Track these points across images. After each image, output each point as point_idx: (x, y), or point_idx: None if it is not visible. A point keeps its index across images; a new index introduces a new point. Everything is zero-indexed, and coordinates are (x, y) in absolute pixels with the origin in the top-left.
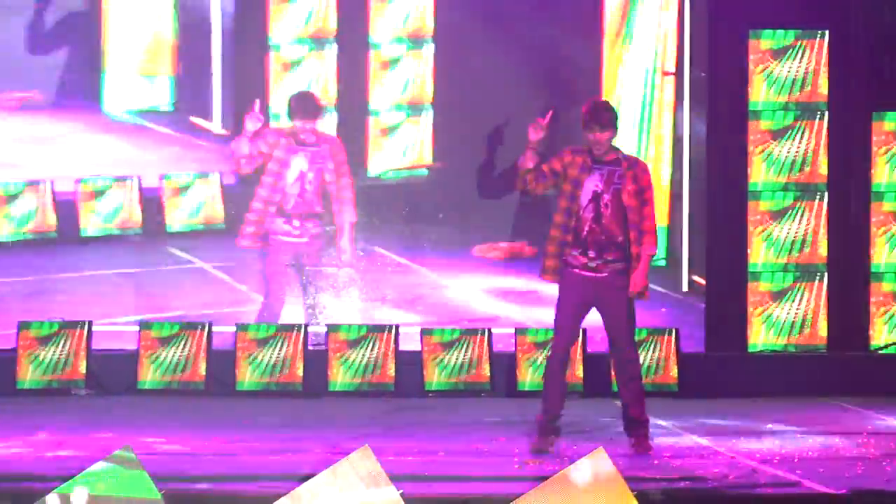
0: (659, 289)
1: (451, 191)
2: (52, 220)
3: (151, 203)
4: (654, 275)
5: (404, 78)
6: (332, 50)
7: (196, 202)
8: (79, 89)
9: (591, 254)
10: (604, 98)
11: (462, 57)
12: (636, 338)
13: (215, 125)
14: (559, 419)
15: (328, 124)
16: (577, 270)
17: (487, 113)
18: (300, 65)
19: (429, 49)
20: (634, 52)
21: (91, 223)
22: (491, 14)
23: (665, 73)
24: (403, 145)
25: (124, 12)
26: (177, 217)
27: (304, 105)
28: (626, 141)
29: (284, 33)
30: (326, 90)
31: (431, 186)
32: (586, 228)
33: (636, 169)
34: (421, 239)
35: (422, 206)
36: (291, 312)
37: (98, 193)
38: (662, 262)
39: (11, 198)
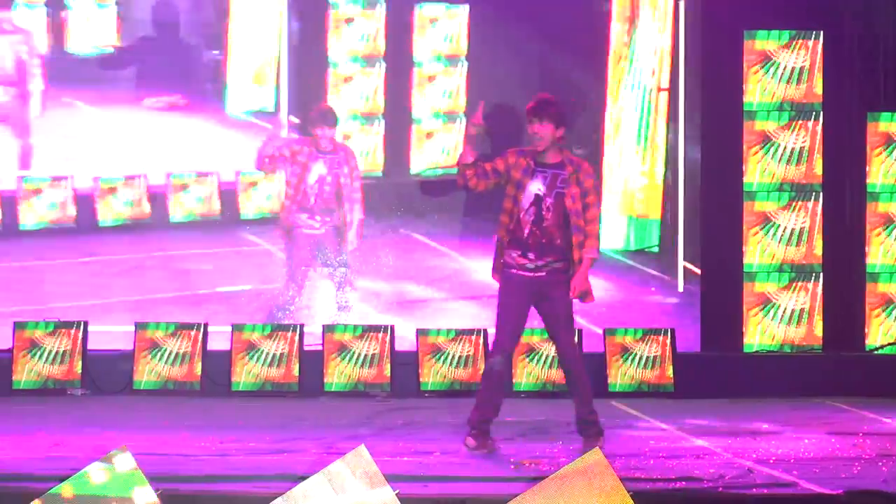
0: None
1: None
2: (147, 208)
3: (228, 194)
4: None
5: (441, 90)
6: (381, 67)
7: (266, 194)
8: (208, 93)
9: (531, 255)
10: (607, 111)
11: (490, 73)
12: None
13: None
14: (491, 422)
15: (376, 130)
16: (517, 271)
17: (511, 120)
18: (353, 79)
19: (463, 66)
20: (634, 73)
21: (178, 211)
22: (514, 40)
23: (661, 90)
24: (441, 148)
25: (243, 34)
26: (250, 206)
27: (325, 117)
28: (626, 151)
29: (341, 52)
30: (376, 101)
31: None
32: (527, 231)
33: (580, 172)
34: (452, 227)
35: (455, 199)
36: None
37: (184, 186)
38: (655, 249)
39: (111, 189)
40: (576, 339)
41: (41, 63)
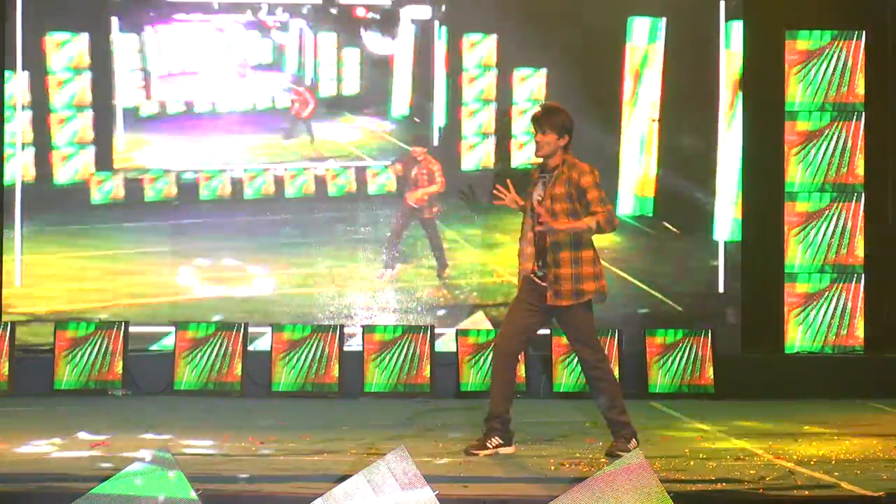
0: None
1: None
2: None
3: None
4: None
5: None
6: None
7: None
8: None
9: (540, 262)
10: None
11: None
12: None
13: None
14: (502, 420)
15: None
16: (530, 278)
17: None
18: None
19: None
20: (638, 109)
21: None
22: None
23: (653, 120)
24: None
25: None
26: None
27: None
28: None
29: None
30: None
31: None
32: (532, 234)
33: (571, 173)
34: None
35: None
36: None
37: (337, 175)
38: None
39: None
40: (594, 351)
41: None
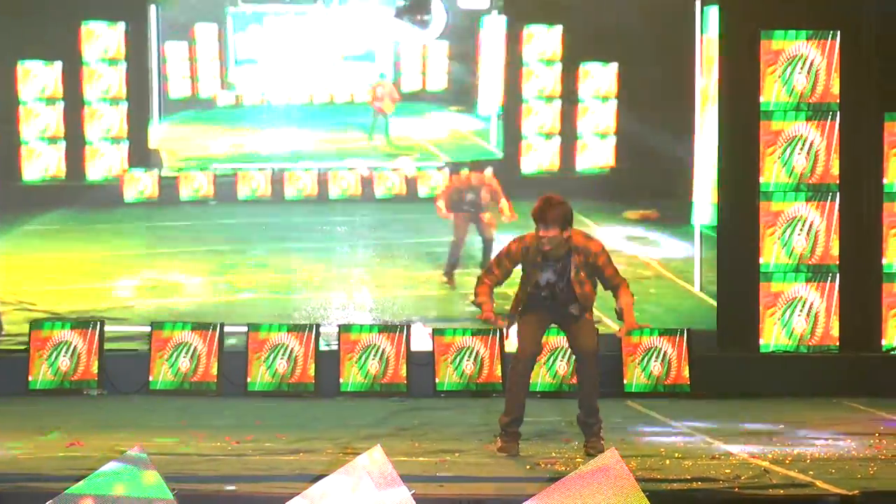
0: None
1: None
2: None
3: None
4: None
5: None
6: None
7: None
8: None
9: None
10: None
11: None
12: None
13: None
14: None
15: None
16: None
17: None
18: None
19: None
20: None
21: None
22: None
23: None
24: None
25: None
26: None
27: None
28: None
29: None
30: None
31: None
32: (547, 302)
33: (585, 255)
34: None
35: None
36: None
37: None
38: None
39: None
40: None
41: None
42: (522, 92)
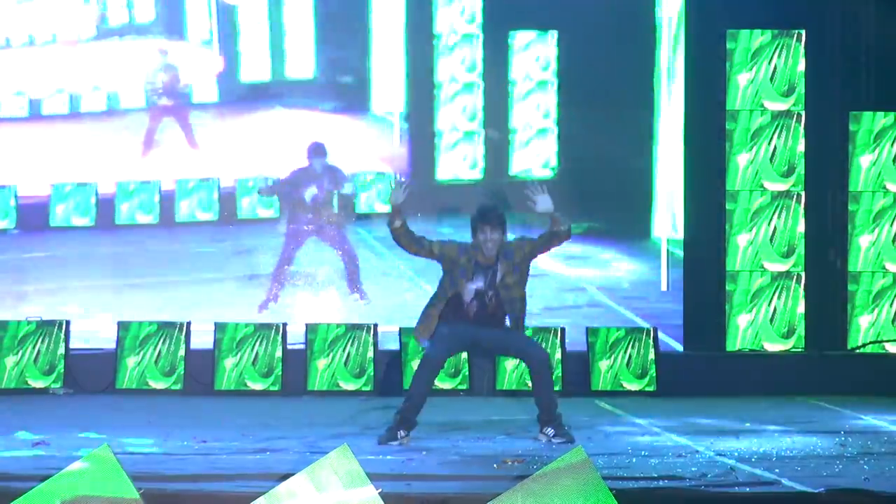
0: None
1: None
2: None
3: None
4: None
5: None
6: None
7: None
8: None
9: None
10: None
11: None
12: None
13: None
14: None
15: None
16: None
17: (599, 132)
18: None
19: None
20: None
21: None
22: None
23: None
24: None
25: None
26: None
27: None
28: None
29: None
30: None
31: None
32: (472, 312)
33: (513, 258)
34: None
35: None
36: None
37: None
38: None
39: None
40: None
41: None
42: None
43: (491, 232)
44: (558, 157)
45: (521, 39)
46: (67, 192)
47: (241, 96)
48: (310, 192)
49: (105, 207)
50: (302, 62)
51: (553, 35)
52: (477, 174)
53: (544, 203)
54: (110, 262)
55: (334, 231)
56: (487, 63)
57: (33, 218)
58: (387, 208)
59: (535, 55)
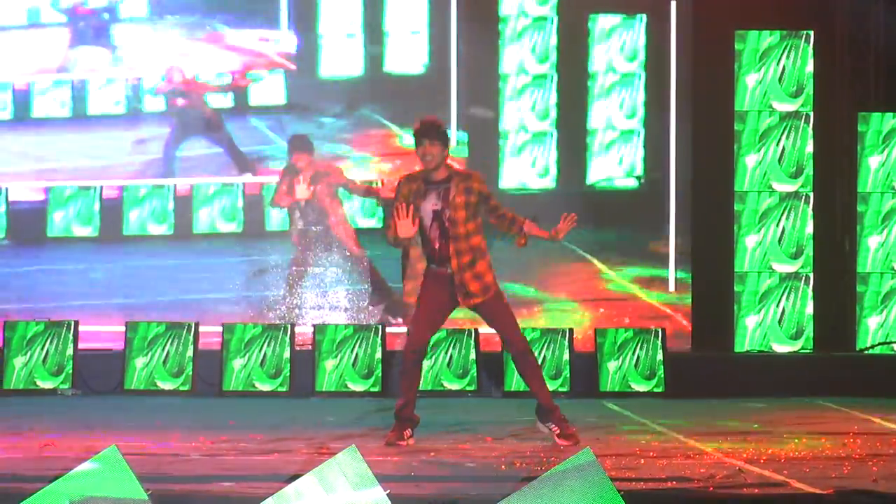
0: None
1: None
2: None
3: None
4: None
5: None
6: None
7: None
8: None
9: (448, 265)
10: None
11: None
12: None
13: None
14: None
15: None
16: (435, 273)
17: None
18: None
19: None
20: None
21: None
22: None
23: None
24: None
25: None
26: None
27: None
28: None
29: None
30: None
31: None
32: (437, 245)
33: (468, 182)
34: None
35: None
36: None
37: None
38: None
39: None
40: (524, 338)
41: None
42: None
43: (431, 145)
44: (644, 165)
45: (602, 24)
46: (67, 198)
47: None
48: (300, 190)
49: (110, 216)
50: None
51: (641, 20)
52: (549, 182)
53: (564, 233)
54: (116, 279)
55: (340, 229)
56: (562, 52)
57: (27, 227)
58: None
59: (619, 43)
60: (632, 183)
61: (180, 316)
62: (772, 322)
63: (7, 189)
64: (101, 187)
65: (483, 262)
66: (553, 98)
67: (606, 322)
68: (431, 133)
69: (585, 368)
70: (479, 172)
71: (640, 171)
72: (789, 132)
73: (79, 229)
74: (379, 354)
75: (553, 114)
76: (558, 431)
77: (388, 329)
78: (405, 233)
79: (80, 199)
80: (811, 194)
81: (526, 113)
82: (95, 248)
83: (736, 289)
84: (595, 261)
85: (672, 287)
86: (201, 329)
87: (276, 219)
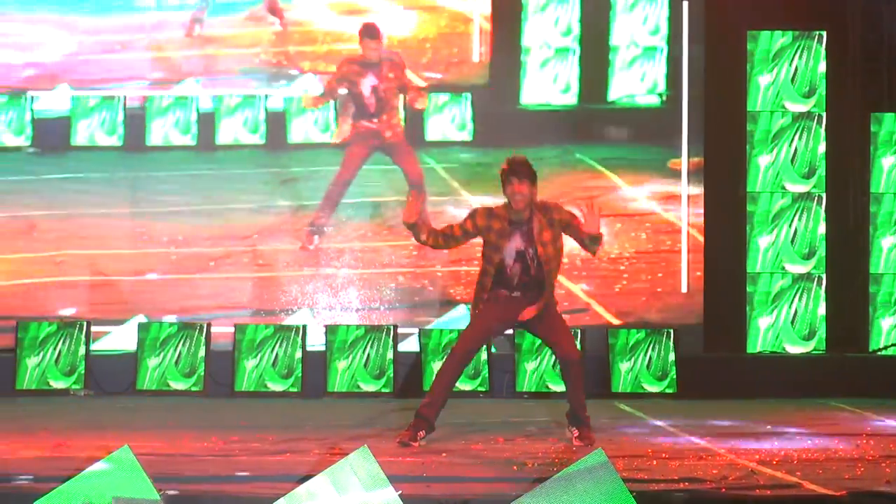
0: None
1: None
2: None
3: None
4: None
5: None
6: None
7: None
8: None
9: (518, 293)
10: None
11: None
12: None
13: None
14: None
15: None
16: (512, 298)
17: None
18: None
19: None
20: None
21: None
22: None
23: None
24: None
25: None
26: None
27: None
28: None
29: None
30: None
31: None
32: (516, 281)
33: (550, 214)
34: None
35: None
36: None
37: None
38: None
39: None
40: (576, 341)
41: None
42: None
43: (519, 184)
44: (666, 81)
45: None
46: (91, 107)
47: None
48: (367, 84)
49: (135, 125)
50: None
51: None
52: (570, 98)
53: (592, 224)
54: (139, 189)
55: (402, 147)
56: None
57: (52, 136)
58: (461, 136)
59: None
60: (653, 100)
61: (205, 222)
62: (784, 323)
63: (33, 98)
64: (125, 97)
65: (554, 276)
66: (576, 15)
67: (624, 237)
68: (521, 172)
69: (597, 369)
70: (555, 201)
71: (661, 87)
72: (802, 133)
73: (102, 138)
74: (391, 355)
75: (576, 30)
76: (577, 434)
77: (399, 330)
78: (407, 218)
79: (104, 108)
80: (824, 195)
81: (549, 29)
82: (119, 156)
83: (748, 289)
84: (613, 176)
85: (684, 288)
86: (213, 329)
87: (298, 131)
